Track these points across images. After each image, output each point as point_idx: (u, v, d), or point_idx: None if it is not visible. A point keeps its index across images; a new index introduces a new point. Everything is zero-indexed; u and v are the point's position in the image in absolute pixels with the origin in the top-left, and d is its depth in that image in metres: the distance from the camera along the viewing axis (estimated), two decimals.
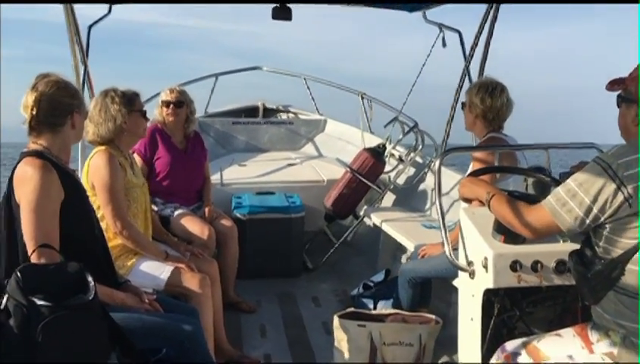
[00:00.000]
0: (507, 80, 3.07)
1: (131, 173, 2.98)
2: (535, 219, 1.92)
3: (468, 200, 2.42)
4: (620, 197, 1.75)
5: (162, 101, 3.98)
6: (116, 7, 4.29)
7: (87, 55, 4.10)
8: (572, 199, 1.82)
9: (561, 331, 2.01)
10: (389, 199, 5.15)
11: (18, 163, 2.18)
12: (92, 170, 2.82)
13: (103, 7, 4.25)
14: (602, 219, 1.79)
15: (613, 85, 1.92)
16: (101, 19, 4.29)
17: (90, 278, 1.99)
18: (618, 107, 1.93)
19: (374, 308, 3.70)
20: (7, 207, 2.16)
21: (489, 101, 3.02)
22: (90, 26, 4.19)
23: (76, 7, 3.94)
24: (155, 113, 3.97)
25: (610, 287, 1.83)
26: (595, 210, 1.78)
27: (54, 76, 2.27)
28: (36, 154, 2.17)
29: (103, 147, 2.88)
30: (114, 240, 2.82)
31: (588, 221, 1.81)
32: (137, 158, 3.74)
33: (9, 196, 2.16)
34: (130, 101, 2.98)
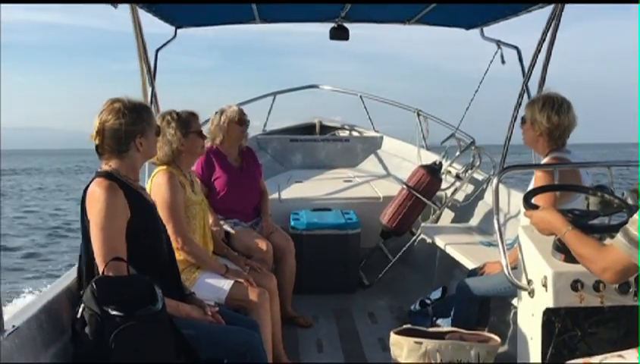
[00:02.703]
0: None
1: (190, 191, 3.10)
2: (612, 261, 1.83)
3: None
4: None
5: (239, 120, 4.10)
6: (183, 31, 4.51)
7: (154, 77, 4.29)
8: None
9: (624, 352, 1.97)
10: (446, 216, 5.12)
11: (91, 182, 2.32)
12: (154, 189, 2.96)
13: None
14: None
15: None
16: (168, 42, 4.50)
17: (159, 290, 2.10)
18: None
19: (432, 325, 3.68)
20: (82, 223, 2.31)
21: (556, 119, 2.93)
22: (158, 50, 4.39)
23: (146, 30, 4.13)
24: (213, 132, 4.08)
25: None
26: None
27: (118, 102, 2.36)
28: (105, 175, 2.31)
29: (164, 167, 3.01)
30: (178, 254, 2.94)
31: None
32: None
33: (83, 214, 2.30)
34: (186, 124, 3.09)
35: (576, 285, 2.18)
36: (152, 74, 4.24)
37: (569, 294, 2.19)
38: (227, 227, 3.94)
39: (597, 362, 2.00)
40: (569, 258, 2.16)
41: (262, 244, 3.82)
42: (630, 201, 2.30)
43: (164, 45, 4.38)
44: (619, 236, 1.83)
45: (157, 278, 2.20)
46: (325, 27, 4.70)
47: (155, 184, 2.91)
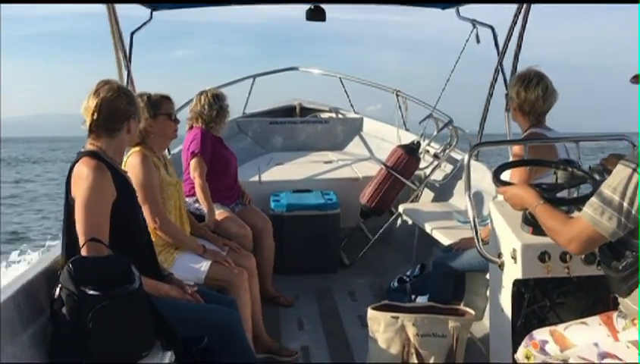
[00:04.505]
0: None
1: (165, 172, 3.11)
2: (577, 232, 1.90)
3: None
4: None
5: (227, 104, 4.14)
6: (167, 12, 4.46)
7: (130, 61, 4.26)
8: (610, 206, 1.81)
9: (587, 319, 2.04)
10: (425, 195, 5.18)
11: (76, 161, 2.33)
12: (128, 170, 2.96)
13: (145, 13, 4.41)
14: None
15: (637, 78, 1.92)
16: (143, 25, 4.46)
17: (135, 270, 2.13)
18: None
19: (410, 301, 3.75)
20: (66, 202, 2.33)
21: (523, 95, 2.98)
22: (133, 33, 4.36)
23: (120, 13, 4.09)
24: (202, 115, 4.05)
25: None
26: (634, 212, 1.79)
27: (115, 83, 2.45)
28: (92, 154, 2.33)
29: (137, 148, 3.01)
30: (155, 235, 2.96)
31: (629, 224, 1.81)
32: (198, 161, 3.87)
33: (67, 193, 2.32)
34: (155, 106, 3.10)
35: (544, 257, 2.24)
36: (127, 57, 4.21)
37: (537, 266, 2.25)
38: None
39: (562, 329, 2.07)
40: (537, 230, 2.22)
41: (241, 226, 3.85)
42: (596, 175, 2.36)
43: (140, 27, 4.34)
44: (585, 209, 1.89)
45: (135, 259, 2.22)
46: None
47: (129, 166, 2.92)
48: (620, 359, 1.89)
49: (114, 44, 4.06)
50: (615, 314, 1.97)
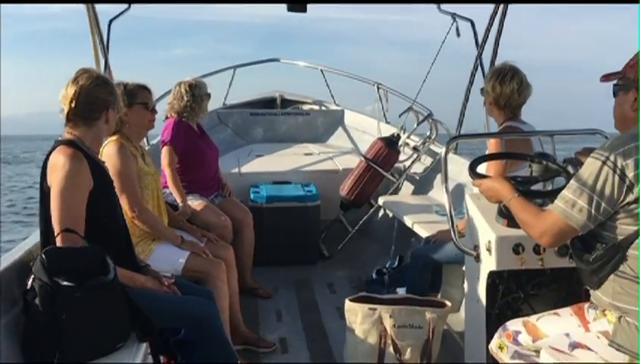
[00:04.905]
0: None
1: (142, 162, 3.09)
2: (549, 225, 1.93)
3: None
4: (623, 187, 1.79)
5: (208, 93, 4.12)
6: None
7: (108, 50, 4.22)
8: (580, 198, 1.84)
9: (559, 310, 2.08)
10: (404, 187, 5.21)
11: (52, 150, 2.30)
12: (105, 159, 2.94)
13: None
14: (611, 211, 1.83)
15: (607, 77, 1.96)
16: (121, 13, 4.41)
17: (110, 261, 2.11)
18: (614, 96, 1.97)
19: (388, 293, 3.77)
20: (41, 191, 2.30)
21: (498, 89, 3.02)
22: (111, 21, 4.31)
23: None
24: (175, 105, 4.03)
25: (611, 271, 1.87)
26: (604, 204, 1.82)
27: (95, 72, 2.43)
28: (69, 143, 2.30)
29: (114, 137, 2.97)
30: (132, 226, 2.94)
31: (599, 216, 1.84)
32: (168, 150, 3.85)
33: (42, 181, 2.29)
34: (131, 95, 3.06)
35: (518, 248, 2.27)
36: (105, 46, 4.17)
37: (511, 257, 2.28)
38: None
39: (535, 319, 2.10)
40: (512, 223, 2.25)
41: (220, 217, 3.84)
42: (570, 168, 2.39)
43: (118, 15, 4.31)
44: (557, 202, 1.92)
45: (112, 250, 2.21)
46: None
47: (106, 155, 2.89)
48: (590, 349, 1.93)
49: (90, 31, 4.01)
50: (586, 305, 2.00)
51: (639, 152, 1.78)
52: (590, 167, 1.85)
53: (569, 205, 1.86)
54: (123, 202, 2.80)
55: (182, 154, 3.91)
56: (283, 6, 3.96)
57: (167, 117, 4.03)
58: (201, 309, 2.54)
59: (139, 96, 3.10)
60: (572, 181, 1.90)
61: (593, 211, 1.83)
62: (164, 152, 3.85)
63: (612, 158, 1.80)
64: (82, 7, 3.99)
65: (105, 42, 4.20)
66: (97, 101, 2.36)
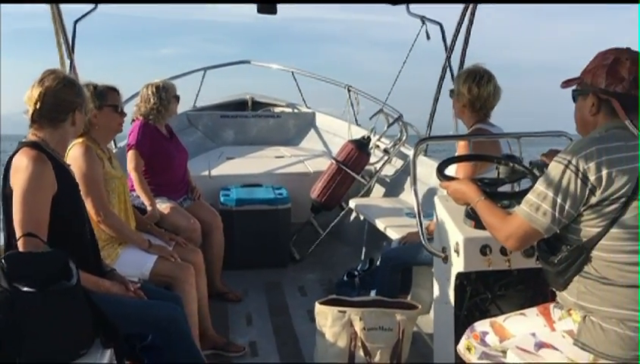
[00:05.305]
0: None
1: (109, 165, 3.03)
2: (514, 229, 1.95)
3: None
4: (586, 190, 1.81)
5: (176, 95, 4.07)
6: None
7: (73, 50, 4.15)
8: (544, 202, 1.86)
9: (526, 311, 2.10)
10: (375, 189, 5.22)
11: (16, 152, 2.24)
12: (71, 163, 2.87)
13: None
14: (575, 214, 1.86)
15: (568, 83, 1.99)
16: (88, 13, 4.34)
17: (73, 266, 2.06)
18: (574, 101, 2.00)
19: (358, 295, 3.77)
20: (3, 194, 2.24)
21: (476, 91, 3.03)
22: (76, 21, 4.24)
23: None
24: (141, 107, 3.98)
25: (576, 272, 1.89)
26: (567, 207, 1.84)
27: (62, 73, 2.37)
28: (33, 145, 2.24)
29: (80, 139, 2.92)
30: (99, 230, 2.88)
31: (563, 219, 1.86)
32: (134, 154, 3.80)
33: (5, 184, 2.23)
34: (101, 97, 3.01)
35: (485, 250, 2.29)
36: (70, 46, 4.09)
37: (478, 259, 2.30)
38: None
39: (502, 320, 2.12)
40: (480, 225, 2.26)
41: (189, 221, 3.79)
42: (536, 170, 2.42)
43: (84, 16, 4.23)
44: (522, 205, 1.94)
45: (76, 255, 2.16)
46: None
47: (72, 157, 2.83)
48: (556, 349, 1.95)
49: (55, 31, 3.94)
50: (552, 305, 2.03)
51: (601, 155, 1.81)
52: (553, 170, 1.87)
53: (534, 209, 1.89)
54: (89, 206, 2.75)
55: (148, 157, 3.85)
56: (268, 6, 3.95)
57: (134, 120, 3.97)
58: (167, 313, 2.50)
59: (109, 98, 3.05)
60: (536, 185, 1.93)
61: (557, 214, 1.85)
62: (130, 155, 3.80)
63: (574, 161, 1.83)
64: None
65: (71, 43, 4.12)
66: (63, 102, 2.32)
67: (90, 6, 4.29)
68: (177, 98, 4.09)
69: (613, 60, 1.87)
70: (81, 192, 2.73)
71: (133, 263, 2.96)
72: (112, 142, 4.54)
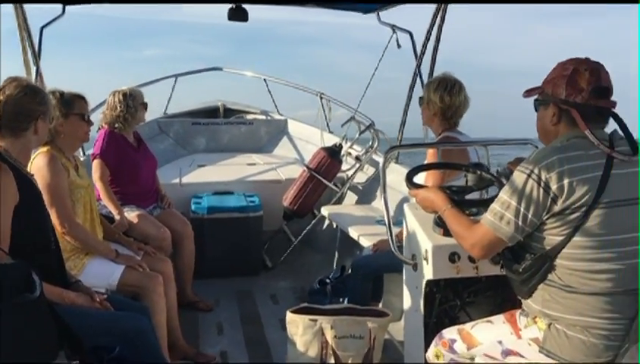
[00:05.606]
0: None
1: (75, 174, 2.98)
2: (479, 238, 1.97)
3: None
4: (548, 199, 1.83)
5: (144, 103, 4.02)
6: (71, 8, 4.27)
7: (39, 56, 4.08)
8: (508, 211, 1.88)
9: (493, 318, 2.11)
10: (347, 197, 5.23)
11: None
12: (34, 172, 2.81)
13: (57, 8, 4.23)
14: (538, 222, 1.87)
15: (529, 92, 2.02)
16: (55, 19, 4.27)
17: (36, 277, 2.01)
18: (536, 111, 2.03)
19: (330, 303, 3.77)
20: None
21: (448, 99, 3.06)
22: (43, 27, 4.17)
23: (28, 7, 3.91)
24: (107, 115, 3.93)
25: (540, 280, 1.91)
26: (530, 216, 1.86)
27: (24, 80, 2.32)
28: None
29: (45, 148, 2.86)
30: (64, 241, 2.83)
31: (526, 228, 1.88)
32: (99, 163, 3.75)
33: None
34: (67, 105, 2.96)
35: (454, 257, 2.30)
36: (36, 53, 4.02)
37: (447, 266, 2.31)
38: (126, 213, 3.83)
39: (470, 327, 2.13)
40: (448, 232, 2.28)
41: (159, 230, 3.75)
42: (503, 178, 2.45)
43: (51, 22, 4.16)
44: (486, 214, 1.96)
45: (40, 266, 2.11)
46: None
47: (35, 167, 2.78)
48: (522, 356, 1.97)
49: (20, 38, 3.87)
50: (518, 312, 2.04)
51: (562, 164, 1.83)
52: (516, 179, 1.89)
53: (498, 218, 1.90)
54: (53, 216, 2.69)
55: (114, 166, 3.80)
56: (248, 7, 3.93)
57: (100, 128, 3.91)
58: (134, 324, 2.45)
59: (76, 106, 3.00)
60: (500, 194, 1.95)
61: (520, 223, 1.87)
62: (95, 165, 3.75)
63: (536, 171, 1.84)
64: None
65: (37, 49, 4.05)
66: (25, 111, 2.27)
67: (58, 11, 4.22)
68: (145, 105, 4.05)
69: (572, 70, 1.90)
70: (45, 203, 2.68)
71: (100, 274, 2.90)
72: (80, 149, 4.48)
